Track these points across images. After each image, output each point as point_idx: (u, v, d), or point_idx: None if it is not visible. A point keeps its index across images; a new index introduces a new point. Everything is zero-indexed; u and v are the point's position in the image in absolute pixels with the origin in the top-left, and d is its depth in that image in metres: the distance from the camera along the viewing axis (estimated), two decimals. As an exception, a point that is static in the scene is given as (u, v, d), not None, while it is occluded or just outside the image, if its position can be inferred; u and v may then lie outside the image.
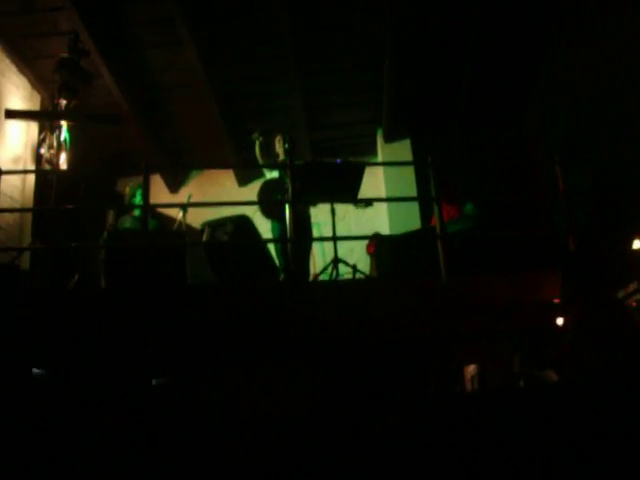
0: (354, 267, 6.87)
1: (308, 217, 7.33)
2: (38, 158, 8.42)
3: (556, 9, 8.43)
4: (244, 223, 6.77)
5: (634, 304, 5.30)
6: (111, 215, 8.52)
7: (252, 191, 10.05)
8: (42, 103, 9.23)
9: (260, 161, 7.46)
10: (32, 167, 8.73)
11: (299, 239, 6.74)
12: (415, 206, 9.56)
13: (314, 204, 7.37)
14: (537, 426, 2.78)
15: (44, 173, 8.04)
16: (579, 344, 3.49)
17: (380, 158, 10.58)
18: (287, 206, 6.68)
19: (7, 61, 8.44)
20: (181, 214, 7.76)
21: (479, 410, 2.86)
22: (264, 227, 7.44)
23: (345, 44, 8.82)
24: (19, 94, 8.70)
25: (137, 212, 7.58)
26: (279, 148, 7.39)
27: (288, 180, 6.55)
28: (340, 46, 8.86)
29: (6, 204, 7.94)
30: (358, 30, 8.60)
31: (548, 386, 3.58)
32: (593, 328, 3.52)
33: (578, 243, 6.02)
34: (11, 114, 7.89)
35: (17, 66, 8.60)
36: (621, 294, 5.53)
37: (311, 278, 7.25)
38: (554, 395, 2.92)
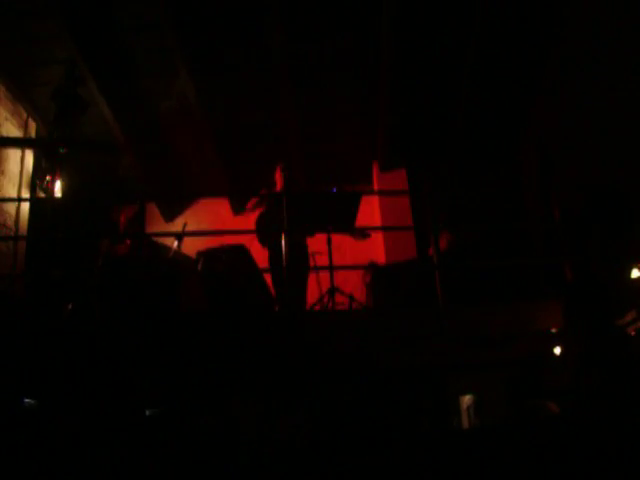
0: (350, 297, 6.82)
1: (305, 247, 7.29)
2: (33, 186, 8.40)
3: (552, 41, 8.50)
4: (240, 252, 6.73)
5: (633, 333, 5.26)
6: (105, 244, 8.46)
7: (247, 220, 10.04)
8: (38, 131, 9.22)
9: None
10: (27, 195, 8.69)
11: (296, 269, 6.69)
12: (411, 235, 9.54)
13: (311, 234, 7.33)
14: (541, 463, 2.73)
15: (39, 201, 8.01)
16: (583, 373, 3.44)
17: (376, 187, 10.57)
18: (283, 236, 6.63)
19: (3, 88, 8.44)
20: (176, 243, 7.71)
21: (480, 448, 2.81)
22: (260, 256, 7.39)
23: (341, 73, 8.86)
24: (15, 121, 8.69)
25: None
26: (278, 178, 7.34)
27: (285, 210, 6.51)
28: (336, 75, 8.89)
29: (0, 232, 7.91)
30: (354, 59, 8.64)
31: (550, 421, 3.52)
32: (597, 357, 3.48)
33: (580, 273, 6.01)
34: (6, 141, 7.87)
35: (13, 93, 8.60)
36: (619, 323, 5.49)
37: (307, 308, 7.20)
38: (556, 431, 2.87)
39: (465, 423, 8.21)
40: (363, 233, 7.24)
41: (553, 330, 5.84)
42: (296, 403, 6.64)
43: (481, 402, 7.94)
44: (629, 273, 5.47)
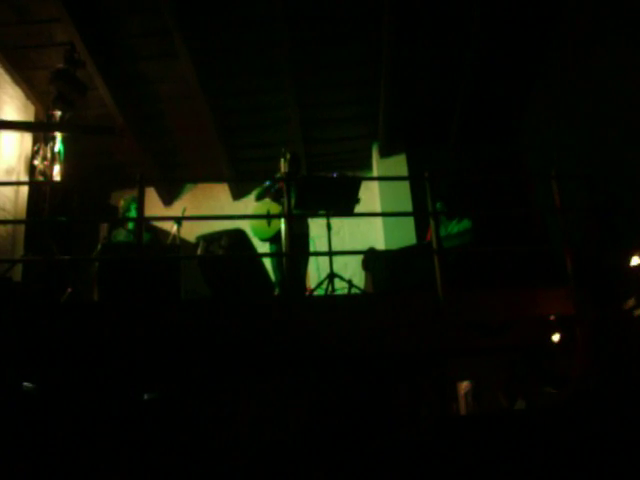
0: (349, 282, 6.82)
1: (307, 235, 7.26)
2: (31, 170, 8.36)
3: (552, 28, 8.47)
4: (239, 237, 6.71)
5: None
6: (105, 228, 8.44)
7: (246, 205, 10.04)
8: (36, 114, 9.18)
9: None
10: (25, 178, 8.67)
11: (296, 254, 6.66)
12: (410, 221, 9.53)
13: (312, 216, 7.32)
14: (542, 451, 2.73)
15: (37, 185, 7.98)
16: (591, 356, 3.44)
17: (375, 173, 10.56)
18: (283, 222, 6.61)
19: (1, 71, 8.40)
20: (175, 227, 7.70)
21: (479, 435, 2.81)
22: (259, 242, 7.39)
23: (342, 58, 8.82)
24: (13, 105, 8.65)
25: (131, 225, 7.53)
26: (283, 165, 7.28)
27: (285, 196, 6.48)
28: (337, 60, 8.86)
29: (-2, 216, 7.90)
30: (355, 44, 8.61)
31: (550, 408, 3.52)
32: (606, 341, 3.48)
33: (583, 259, 6.00)
34: (5, 125, 7.84)
35: (12, 77, 8.56)
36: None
37: (306, 293, 7.20)
38: (557, 417, 2.86)
39: (463, 409, 8.25)
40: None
41: (552, 317, 5.84)
42: (296, 386, 6.66)
43: (479, 388, 7.96)
44: (629, 260, 5.46)
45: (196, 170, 10.85)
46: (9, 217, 8.22)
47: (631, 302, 5.34)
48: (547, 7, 8.26)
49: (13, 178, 8.48)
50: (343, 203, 6.71)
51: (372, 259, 7.34)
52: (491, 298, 6.12)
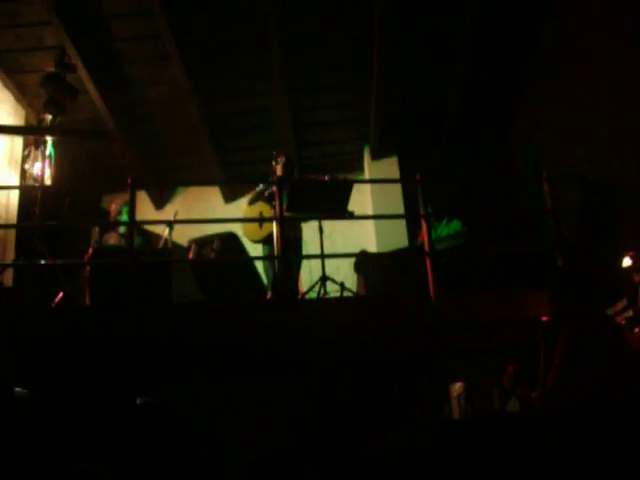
0: (342, 285, 6.83)
1: (299, 238, 7.27)
2: (22, 174, 8.34)
3: (543, 29, 8.49)
4: (231, 240, 6.72)
5: (623, 322, 5.29)
6: (96, 232, 8.42)
7: (238, 208, 10.02)
8: (27, 118, 9.15)
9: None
10: (16, 183, 8.63)
11: (288, 258, 6.66)
12: (402, 223, 9.53)
13: (305, 220, 7.33)
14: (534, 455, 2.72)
15: (28, 189, 7.95)
16: (569, 363, 3.44)
17: (367, 175, 10.55)
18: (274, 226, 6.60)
19: (-8, 75, 8.38)
20: (167, 231, 7.69)
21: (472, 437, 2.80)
22: (251, 245, 7.39)
23: (333, 61, 8.82)
24: (3, 109, 8.62)
25: (122, 229, 7.51)
26: (279, 168, 7.28)
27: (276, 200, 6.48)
28: (328, 62, 8.86)
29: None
30: (346, 47, 8.61)
31: (542, 411, 3.52)
32: (584, 346, 3.48)
33: (566, 259, 6.02)
34: (-5, 129, 7.81)
35: (2, 80, 8.52)
36: (610, 311, 5.51)
37: (299, 296, 7.20)
38: (553, 421, 2.86)
39: (455, 411, 8.25)
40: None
41: (544, 318, 5.86)
42: (289, 390, 6.65)
43: (471, 390, 7.96)
44: (620, 261, 5.47)
45: (188, 173, 10.84)
46: (0, 221, 8.19)
47: (622, 304, 5.36)
48: (539, 7, 8.29)
49: (3, 182, 8.45)
50: (335, 206, 6.73)
51: (364, 262, 7.34)
52: (483, 300, 6.14)
